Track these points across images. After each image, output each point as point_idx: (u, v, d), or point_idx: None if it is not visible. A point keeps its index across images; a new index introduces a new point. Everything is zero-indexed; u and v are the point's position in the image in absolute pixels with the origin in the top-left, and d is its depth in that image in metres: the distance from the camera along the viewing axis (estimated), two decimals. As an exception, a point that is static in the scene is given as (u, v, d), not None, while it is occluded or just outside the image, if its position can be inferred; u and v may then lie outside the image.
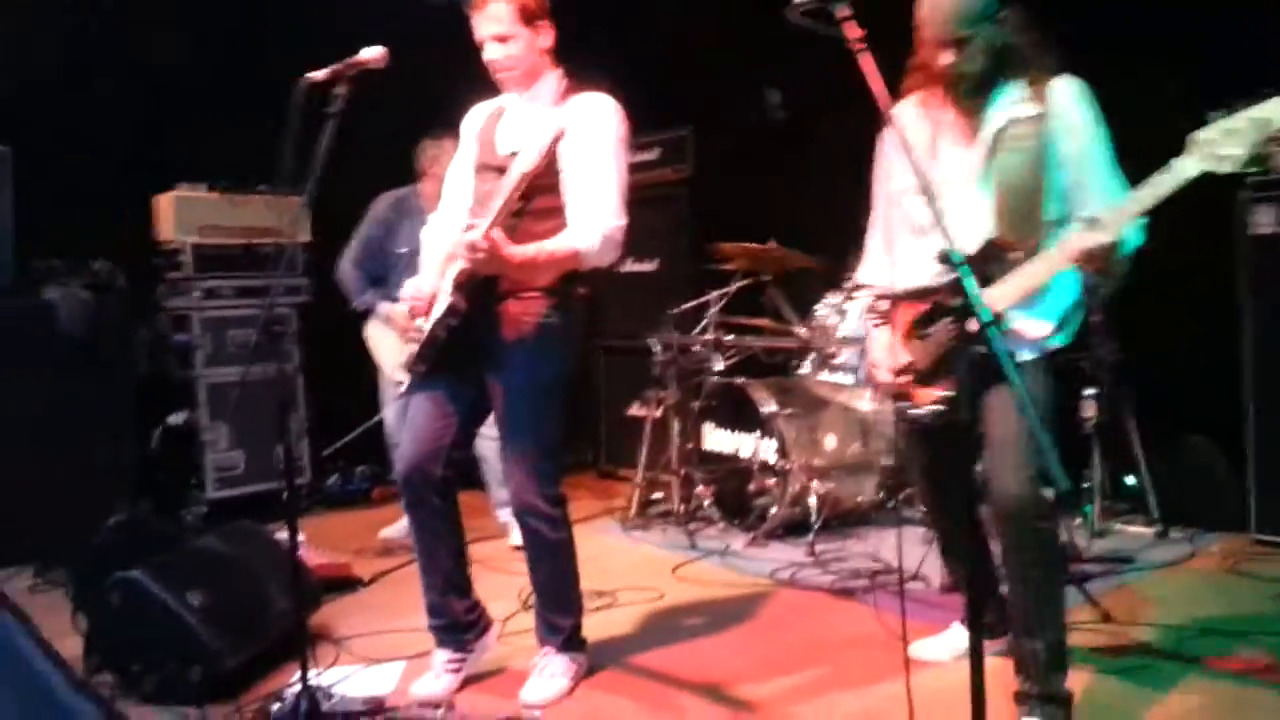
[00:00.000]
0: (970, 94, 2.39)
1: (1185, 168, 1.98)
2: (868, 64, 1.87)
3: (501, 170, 2.61)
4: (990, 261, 2.33)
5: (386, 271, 4.30)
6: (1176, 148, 1.99)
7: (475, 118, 2.86)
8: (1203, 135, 1.96)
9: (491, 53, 2.62)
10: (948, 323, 2.39)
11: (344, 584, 3.69)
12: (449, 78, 4.50)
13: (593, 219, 2.59)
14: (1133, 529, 3.98)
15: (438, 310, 2.64)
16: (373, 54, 2.51)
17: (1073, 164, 2.33)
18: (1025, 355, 2.38)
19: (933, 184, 1.86)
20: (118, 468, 4.43)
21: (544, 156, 2.53)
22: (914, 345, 2.49)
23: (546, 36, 2.66)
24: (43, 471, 4.05)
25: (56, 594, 3.58)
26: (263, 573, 3.06)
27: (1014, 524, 2.29)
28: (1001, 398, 2.27)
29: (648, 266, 5.47)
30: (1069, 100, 2.35)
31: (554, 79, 2.70)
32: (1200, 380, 3.90)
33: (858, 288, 4.17)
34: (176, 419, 4.82)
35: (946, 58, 2.32)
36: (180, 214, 4.91)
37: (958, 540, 2.74)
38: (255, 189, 5.05)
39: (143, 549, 3.04)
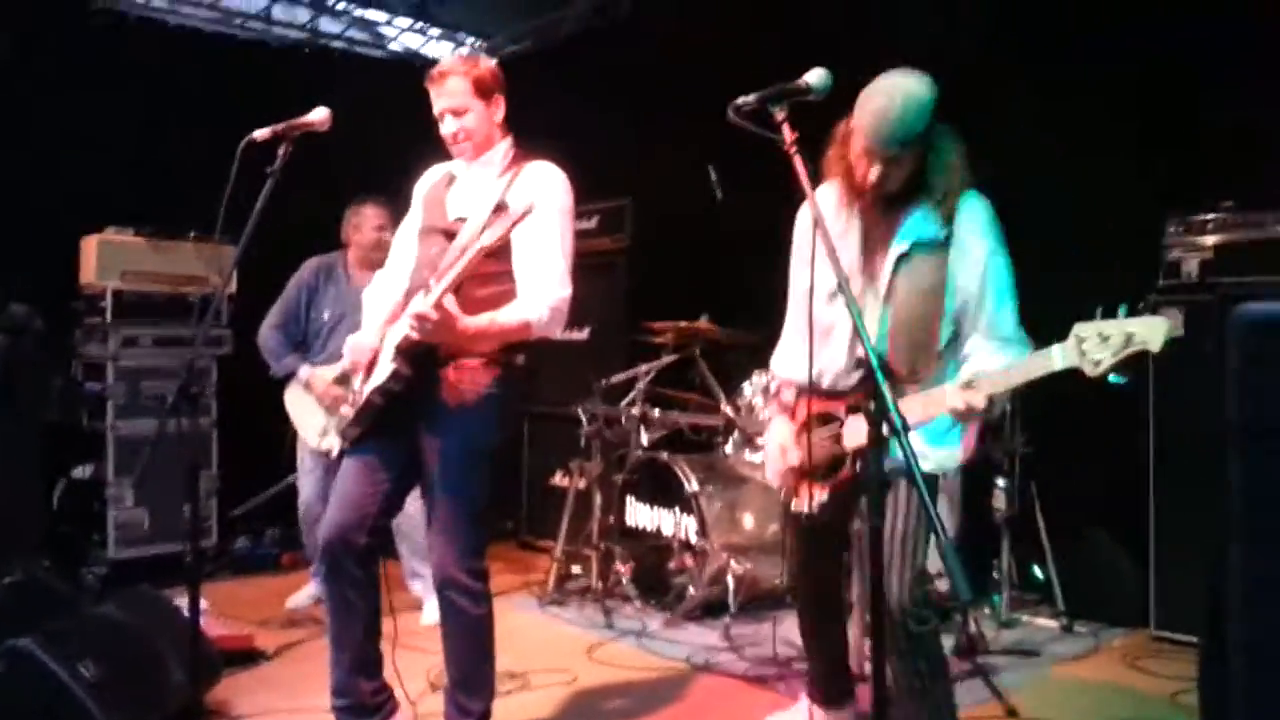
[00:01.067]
0: (887, 209, 2.40)
1: (1055, 360, 2.01)
2: (801, 167, 1.93)
3: (449, 234, 2.62)
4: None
5: (307, 338, 4.24)
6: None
7: (425, 181, 2.89)
8: (1082, 330, 1.97)
9: (448, 126, 2.70)
10: (835, 426, 2.44)
11: (246, 657, 3.57)
12: (391, 140, 4.54)
13: (540, 291, 2.61)
14: (1040, 620, 4.06)
15: (378, 376, 2.61)
16: (317, 116, 2.55)
17: (966, 295, 2.34)
18: (926, 467, 2.35)
19: (849, 286, 1.88)
20: (18, 520, 4.24)
21: (506, 233, 2.45)
22: (803, 442, 2.52)
23: (499, 109, 2.75)
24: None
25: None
26: (161, 644, 2.95)
27: (894, 628, 2.31)
28: (891, 499, 2.33)
29: (579, 335, 5.46)
30: (973, 228, 2.35)
31: (504, 147, 2.78)
32: (1105, 475, 4.03)
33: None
34: (82, 472, 4.65)
35: (874, 172, 2.32)
36: (103, 258, 4.79)
37: (817, 631, 2.87)
38: (186, 235, 4.94)
39: (36, 614, 2.91)
